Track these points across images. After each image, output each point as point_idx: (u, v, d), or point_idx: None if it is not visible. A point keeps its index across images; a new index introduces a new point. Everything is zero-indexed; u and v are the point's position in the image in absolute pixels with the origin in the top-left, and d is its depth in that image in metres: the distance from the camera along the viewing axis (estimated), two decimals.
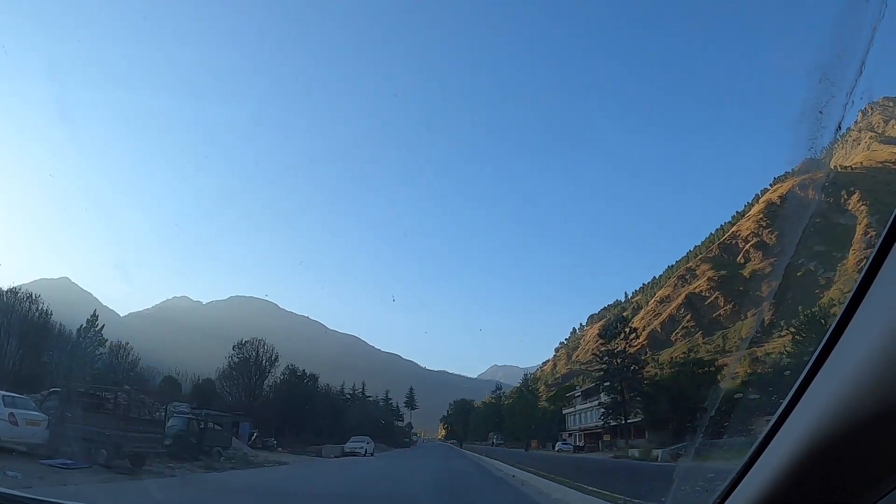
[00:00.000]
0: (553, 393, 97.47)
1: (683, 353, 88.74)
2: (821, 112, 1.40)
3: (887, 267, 0.82)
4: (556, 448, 61.41)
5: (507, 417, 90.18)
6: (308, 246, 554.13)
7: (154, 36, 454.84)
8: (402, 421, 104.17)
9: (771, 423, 1.08)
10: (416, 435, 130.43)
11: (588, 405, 67.95)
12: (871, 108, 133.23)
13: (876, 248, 0.85)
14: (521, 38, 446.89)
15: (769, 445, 1.08)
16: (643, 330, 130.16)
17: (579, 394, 75.90)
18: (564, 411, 78.84)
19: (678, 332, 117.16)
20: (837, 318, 0.91)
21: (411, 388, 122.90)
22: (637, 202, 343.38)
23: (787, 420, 1.03)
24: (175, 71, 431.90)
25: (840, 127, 1.38)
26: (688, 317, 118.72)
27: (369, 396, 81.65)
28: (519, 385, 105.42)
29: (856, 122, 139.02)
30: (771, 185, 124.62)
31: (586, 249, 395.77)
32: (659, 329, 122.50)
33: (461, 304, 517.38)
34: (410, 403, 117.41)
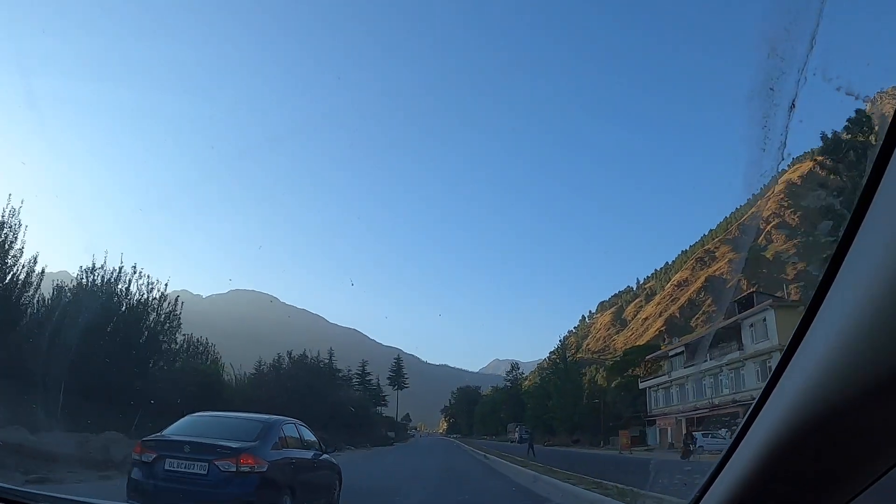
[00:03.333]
0: (618, 359, 68.59)
1: None
2: (772, 89, 1.38)
3: (857, 245, 0.83)
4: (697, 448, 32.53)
5: (534, 403, 69.05)
6: (308, 240, 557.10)
7: (141, 29, 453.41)
8: (385, 405, 79.68)
9: (746, 415, 1.10)
10: (415, 429, 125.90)
11: (708, 366, 40.88)
12: (881, 97, 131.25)
13: (845, 226, 0.85)
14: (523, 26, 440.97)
15: (744, 439, 1.10)
16: (660, 316, 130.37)
17: (679, 350, 49.15)
18: (643, 384, 53.58)
19: (699, 317, 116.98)
20: (806, 308, 0.92)
21: (398, 359, 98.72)
22: (646, 187, 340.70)
23: (760, 413, 1.05)
24: (171, 66, 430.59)
25: (794, 105, 1.36)
26: (708, 301, 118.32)
27: (339, 370, 58.87)
28: (551, 355, 79.84)
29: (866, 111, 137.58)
30: (789, 165, 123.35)
31: (593, 237, 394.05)
32: (677, 314, 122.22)
33: (463, 297, 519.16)
34: (397, 381, 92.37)
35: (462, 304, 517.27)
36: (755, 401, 1.08)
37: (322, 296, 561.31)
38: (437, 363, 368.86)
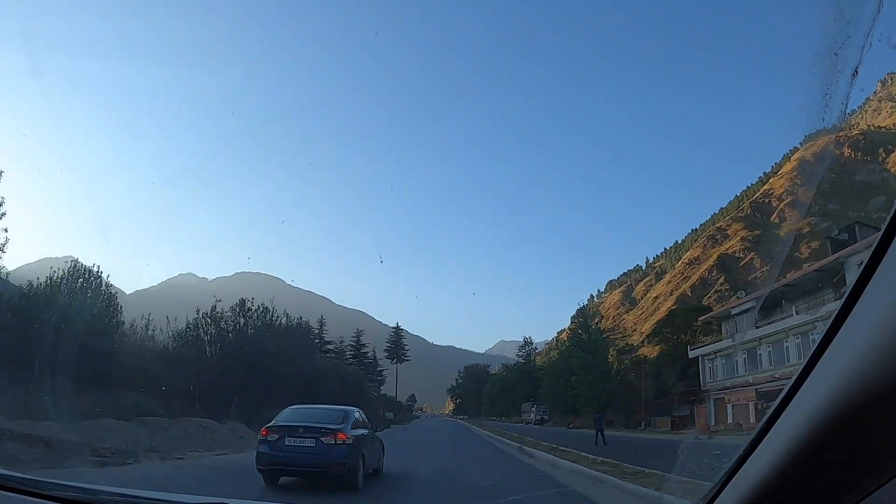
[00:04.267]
0: (660, 324, 61.55)
1: None
2: (836, 54, 1.34)
3: None
4: None
5: (551, 380, 61.43)
6: (314, 221, 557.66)
7: (147, 6, 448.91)
8: (382, 381, 72.15)
9: (780, 398, 1.08)
10: (420, 410, 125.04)
11: (794, 323, 33.46)
12: (891, 78, 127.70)
13: (887, 221, 0.83)
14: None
15: (777, 421, 1.07)
16: (671, 294, 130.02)
17: (748, 306, 40.01)
18: (695, 352, 44.37)
19: (711, 296, 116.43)
20: (846, 295, 0.90)
21: (397, 327, 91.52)
22: (656, 165, 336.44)
23: (797, 395, 1.03)
24: (179, 46, 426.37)
25: (857, 72, 1.31)
26: (721, 279, 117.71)
27: (330, 343, 54.69)
28: (570, 326, 75.02)
29: (875, 92, 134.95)
30: (801, 143, 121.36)
31: (601, 216, 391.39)
32: (689, 293, 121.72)
33: (469, 278, 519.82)
34: (395, 354, 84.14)
35: (468, 284, 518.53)
36: (791, 382, 1.05)
37: (328, 278, 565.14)
38: (443, 344, 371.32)
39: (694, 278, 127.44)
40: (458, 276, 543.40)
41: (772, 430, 1.09)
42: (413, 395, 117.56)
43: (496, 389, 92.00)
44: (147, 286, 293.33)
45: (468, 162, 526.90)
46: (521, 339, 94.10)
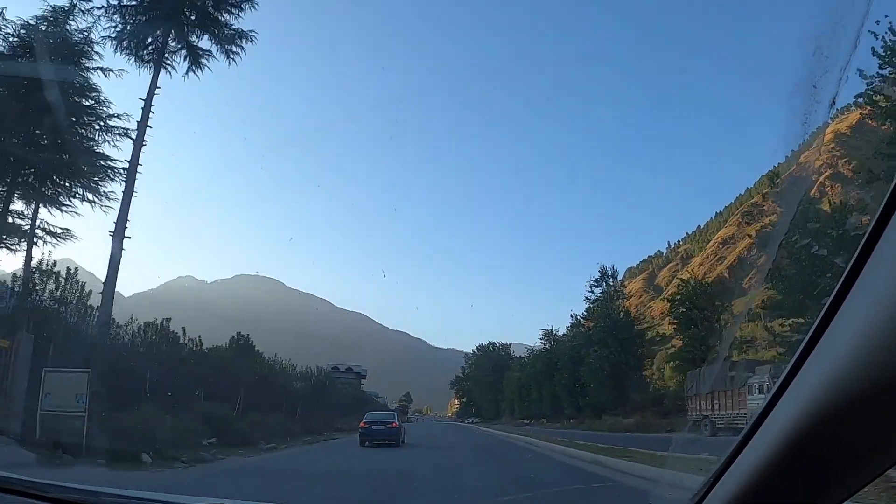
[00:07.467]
0: None
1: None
2: (814, 86, 1.48)
3: (883, 242, 0.85)
4: None
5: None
6: (314, 223, 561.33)
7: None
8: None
9: (769, 396, 1.14)
10: (418, 413, 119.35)
11: None
12: None
13: (872, 223, 0.86)
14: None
15: (765, 421, 1.14)
16: (703, 277, 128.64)
17: None
18: None
19: (752, 277, 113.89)
20: (832, 296, 0.94)
21: None
22: (675, 146, 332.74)
23: (784, 394, 1.08)
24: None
25: (834, 102, 1.46)
26: (762, 258, 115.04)
27: None
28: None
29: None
30: (833, 118, 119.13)
31: (613, 202, 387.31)
32: (727, 275, 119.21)
33: (472, 278, 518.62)
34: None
35: (472, 285, 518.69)
36: (779, 380, 1.12)
37: (328, 279, 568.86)
38: (445, 347, 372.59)
39: (730, 258, 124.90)
40: (462, 276, 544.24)
41: (761, 427, 1.15)
42: (408, 392, 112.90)
43: (533, 373, 63.22)
44: (146, 289, 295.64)
45: (473, 153, 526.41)
46: (527, 343, 78.71)
